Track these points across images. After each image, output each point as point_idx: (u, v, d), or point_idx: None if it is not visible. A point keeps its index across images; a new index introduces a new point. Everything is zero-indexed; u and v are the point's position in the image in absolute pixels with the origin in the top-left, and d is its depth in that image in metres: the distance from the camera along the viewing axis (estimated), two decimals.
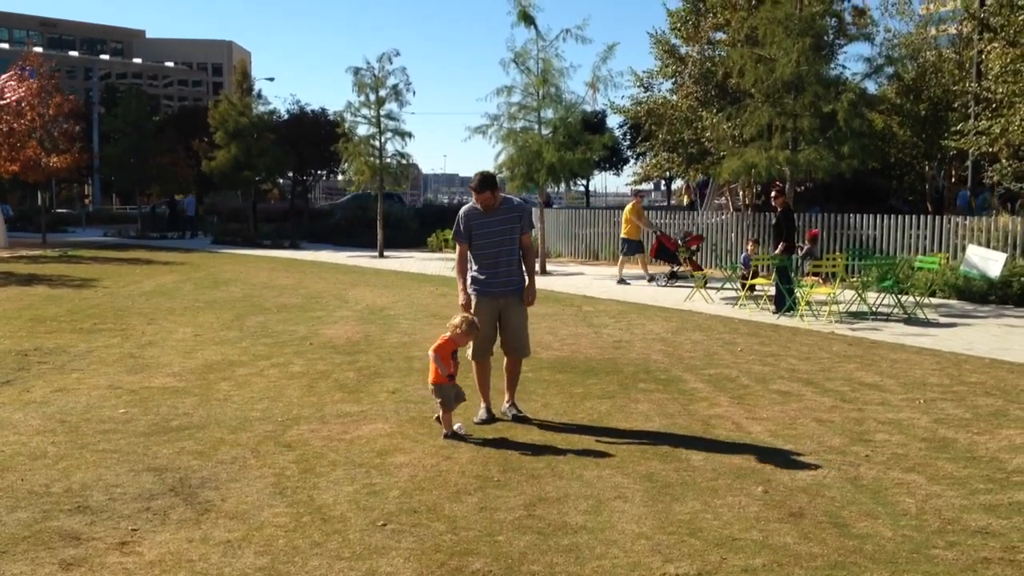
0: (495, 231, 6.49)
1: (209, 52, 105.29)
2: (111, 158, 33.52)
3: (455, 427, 6.17)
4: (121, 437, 6.09)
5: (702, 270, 17.24)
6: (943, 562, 4.04)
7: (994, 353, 9.52)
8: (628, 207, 18.62)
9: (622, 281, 17.44)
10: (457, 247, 6.66)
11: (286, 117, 37.24)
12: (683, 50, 23.59)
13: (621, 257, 18.44)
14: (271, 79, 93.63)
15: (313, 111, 38.36)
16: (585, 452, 5.81)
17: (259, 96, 30.96)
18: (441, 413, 6.19)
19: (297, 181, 41.15)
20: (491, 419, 6.61)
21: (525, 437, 6.17)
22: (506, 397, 6.82)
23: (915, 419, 6.69)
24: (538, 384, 7.89)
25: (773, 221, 14.00)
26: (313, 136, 35.66)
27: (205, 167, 29.56)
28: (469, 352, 6.63)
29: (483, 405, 6.68)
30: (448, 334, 6.21)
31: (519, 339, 6.69)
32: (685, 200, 35.49)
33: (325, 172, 43.03)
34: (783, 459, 5.67)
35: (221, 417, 6.65)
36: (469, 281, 6.59)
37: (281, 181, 40.77)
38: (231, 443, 5.97)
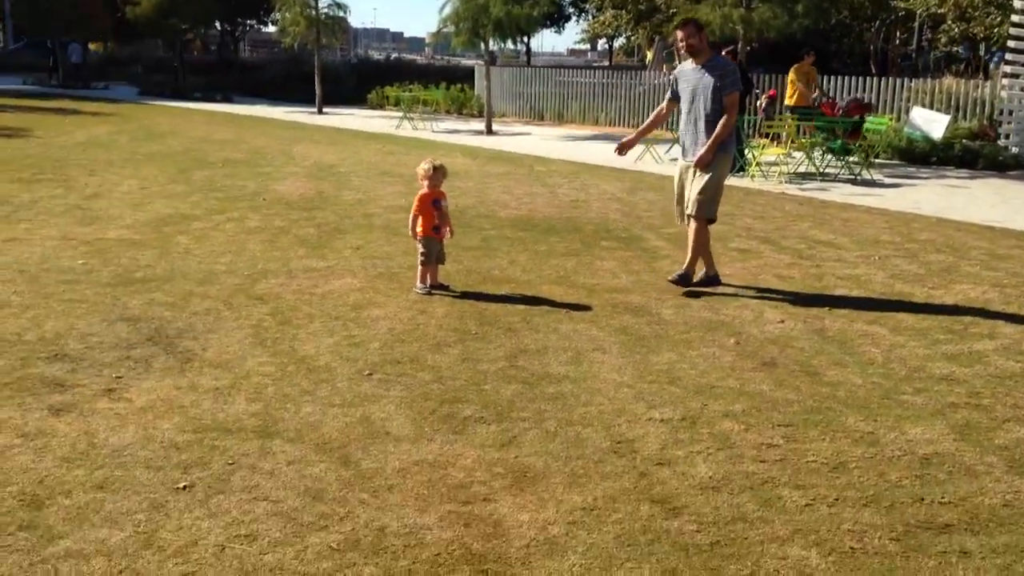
0: None
1: None
2: (23, 1, 31.37)
3: (417, 288, 6.13)
4: (86, 287, 5.95)
5: (871, 151, 13.16)
6: (913, 407, 4.25)
7: (941, 212, 9.81)
8: (792, 69, 14.78)
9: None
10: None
11: None
12: None
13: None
14: None
15: None
16: (558, 306, 5.88)
17: None
18: (420, 267, 6.16)
19: (226, 32, 39.33)
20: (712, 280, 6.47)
21: (497, 292, 6.20)
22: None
23: (872, 274, 6.91)
24: (502, 241, 7.89)
25: None
26: None
27: (129, 13, 27.93)
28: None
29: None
30: (425, 188, 6.14)
31: None
32: (649, 57, 32.46)
33: (254, 22, 41.15)
34: (750, 313, 5.83)
35: (185, 270, 6.52)
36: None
37: (206, 31, 38.78)
38: (201, 295, 5.88)
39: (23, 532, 3.01)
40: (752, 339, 5.27)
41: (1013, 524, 3.18)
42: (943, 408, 4.23)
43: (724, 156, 6.25)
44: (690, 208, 6.26)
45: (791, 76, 14.72)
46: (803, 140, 13.24)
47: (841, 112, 14.18)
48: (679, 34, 6.32)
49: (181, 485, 3.35)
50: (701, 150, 6.15)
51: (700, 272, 6.58)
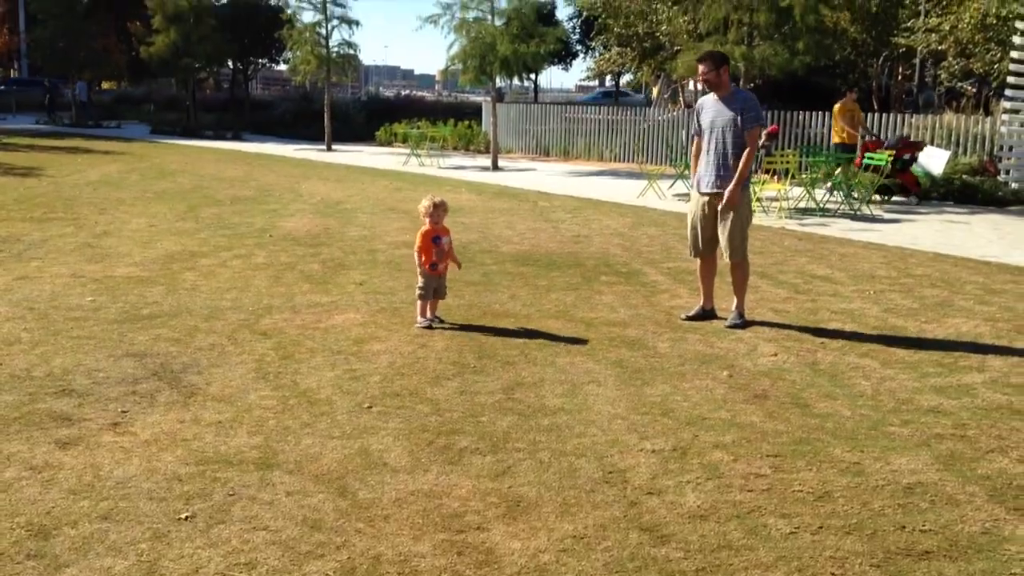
0: None
1: None
2: (41, 41, 31.98)
3: (418, 322, 6.26)
4: (94, 324, 6.09)
5: (919, 187, 13.93)
6: (899, 438, 4.34)
7: (938, 247, 9.91)
8: (836, 107, 14.61)
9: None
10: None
11: (224, 1, 35.81)
12: None
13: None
14: None
15: None
16: (556, 340, 5.99)
17: None
18: (418, 301, 6.30)
19: (237, 70, 39.88)
20: (701, 315, 6.60)
21: (496, 326, 6.32)
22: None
23: (866, 309, 7.01)
24: (503, 276, 8.02)
25: None
26: (253, 22, 34.41)
27: (144, 52, 28.44)
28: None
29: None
30: (426, 224, 6.30)
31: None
32: (654, 93, 31.96)
33: (266, 60, 41.75)
34: (744, 346, 5.93)
35: (191, 306, 6.67)
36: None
37: (218, 70, 39.35)
38: (206, 331, 6.01)
39: (31, 561, 3.12)
40: (745, 372, 5.37)
41: (991, 551, 3.26)
42: (928, 439, 4.31)
43: (745, 193, 6.37)
44: (726, 256, 6.39)
45: (835, 114, 14.45)
46: (803, 177, 13.38)
47: (893, 150, 13.92)
48: (700, 68, 6.38)
49: (183, 516, 3.46)
50: (719, 184, 6.24)
51: (697, 306, 6.70)
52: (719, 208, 6.31)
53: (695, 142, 6.58)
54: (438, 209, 6.29)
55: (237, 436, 4.24)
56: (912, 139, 15.07)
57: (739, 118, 6.18)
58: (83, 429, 4.28)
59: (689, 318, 6.58)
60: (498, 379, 5.16)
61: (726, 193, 6.22)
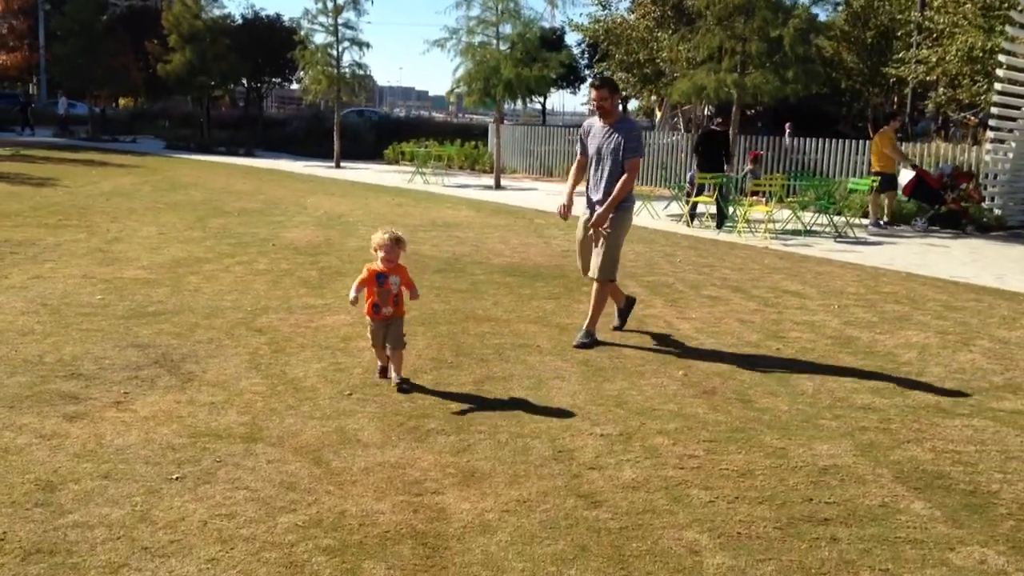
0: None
1: None
2: (60, 58, 32.81)
3: (379, 370, 5.50)
4: (102, 319, 6.58)
5: (970, 216, 14.38)
6: (827, 429, 4.77)
7: (911, 268, 10.34)
8: (878, 136, 14.61)
9: (878, 224, 14.47)
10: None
11: (240, 22, 36.66)
12: None
13: (872, 196, 14.59)
14: None
15: (268, 16, 37.82)
16: (530, 342, 6.44)
17: None
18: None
19: (251, 88, 40.71)
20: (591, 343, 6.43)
21: (476, 329, 6.77)
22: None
23: (827, 321, 7.43)
24: (489, 285, 8.48)
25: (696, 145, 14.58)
26: (268, 43, 35.23)
27: (160, 70, 29.20)
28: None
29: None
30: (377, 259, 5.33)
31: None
32: (658, 117, 32.12)
33: (279, 80, 42.60)
34: (704, 350, 6.37)
35: (194, 305, 7.15)
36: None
37: (233, 88, 40.20)
38: (206, 327, 6.49)
39: (39, 508, 3.57)
40: (700, 372, 5.81)
41: (884, 520, 3.69)
42: (853, 431, 4.74)
43: (623, 217, 6.42)
44: (593, 272, 6.45)
45: (877, 142, 14.45)
46: (791, 200, 13.83)
47: (947, 180, 14.40)
48: (594, 94, 6.42)
49: (174, 476, 3.91)
50: (599, 206, 6.38)
51: (614, 314, 6.94)
52: (590, 228, 6.44)
53: (580, 159, 6.65)
54: (397, 245, 5.26)
55: (227, 415, 4.70)
56: (965, 170, 15.08)
57: (621, 148, 6.28)
58: (88, 406, 4.75)
59: (617, 328, 6.84)
60: (471, 373, 5.61)
61: (594, 216, 6.34)
